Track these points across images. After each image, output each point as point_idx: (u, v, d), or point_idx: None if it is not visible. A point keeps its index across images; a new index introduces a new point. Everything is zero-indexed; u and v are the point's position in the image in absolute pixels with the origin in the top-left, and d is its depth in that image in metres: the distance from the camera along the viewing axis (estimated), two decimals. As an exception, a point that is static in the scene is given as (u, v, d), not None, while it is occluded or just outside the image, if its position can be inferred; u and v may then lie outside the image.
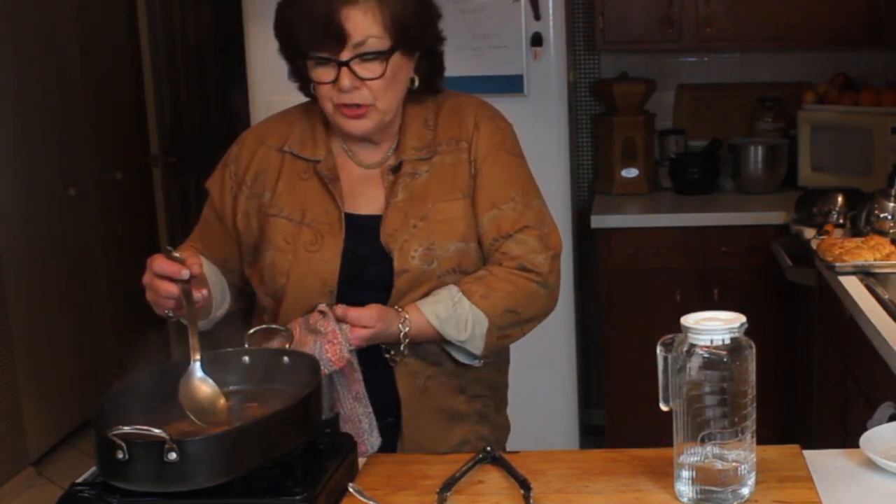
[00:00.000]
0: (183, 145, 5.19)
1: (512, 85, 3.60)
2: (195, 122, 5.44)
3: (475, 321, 1.82)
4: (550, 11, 3.58)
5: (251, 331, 1.75)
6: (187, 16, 5.37)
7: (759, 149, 4.12)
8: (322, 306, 1.77)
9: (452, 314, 1.81)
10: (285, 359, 1.64)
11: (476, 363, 1.89)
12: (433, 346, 1.87)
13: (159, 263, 1.67)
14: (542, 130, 3.63)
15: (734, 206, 4.02)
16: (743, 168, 4.15)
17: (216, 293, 1.85)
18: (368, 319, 1.76)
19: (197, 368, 1.56)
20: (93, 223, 4.89)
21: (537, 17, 3.57)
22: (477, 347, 1.84)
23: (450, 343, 1.85)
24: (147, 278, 1.71)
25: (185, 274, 1.65)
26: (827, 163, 4.05)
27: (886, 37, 3.81)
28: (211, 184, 1.99)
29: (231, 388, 1.61)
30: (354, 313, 1.75)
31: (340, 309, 1.75)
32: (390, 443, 1.89)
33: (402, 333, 1.79)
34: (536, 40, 3.58)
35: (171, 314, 1.73)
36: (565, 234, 3.65)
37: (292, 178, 1.90)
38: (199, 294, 1.68)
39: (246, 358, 1.65)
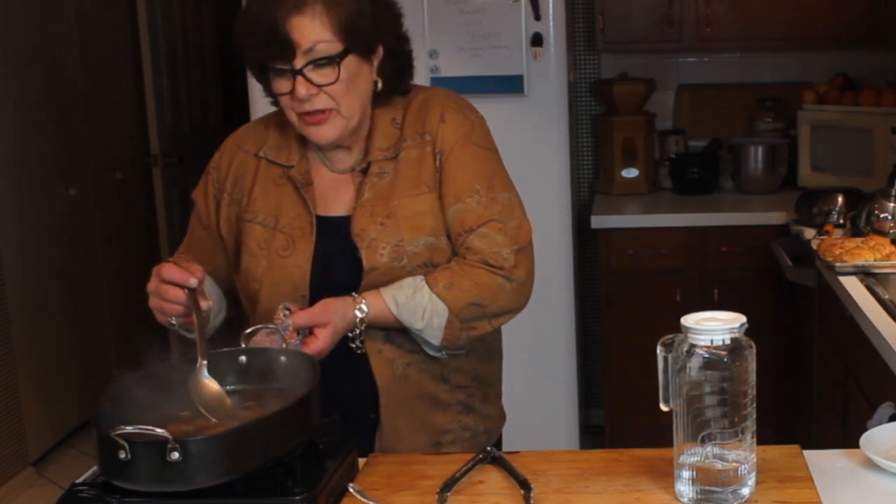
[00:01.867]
0: (183, 145, 5.19)
1: (512, 85, 3.60)
2: (195, 122, 5.44)
3: (434, 311, 1.81)
4: (550, 11, 3.58)
5: (247, 330, 1.75)
6: (187, 16, 5.37)
7: (759, 149, 4.12)
8: (285, 307, 1.76)
9: (410, 301, 1.80)
10: (282, 358, 1.64)
11: (440, 355, 1.88)
12: (407, 334, 1.86)
13: (168, 270, 1.70)
14: (542, 130, 3.64)
15: (734, 206, 4.02)
16: (743, 168, 4.15)
17: (213, 302, 1.86)
18: (319, 316, 1.75)
19: (203, 370, 1.59)
20: (93, 223, 4.89)
21: (537, 17, 3.57)
22: (435, 338, 1.83)
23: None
24: (153, 285, 1.73)
25: (194, 282, 1.68)
26: (827, 163, 4.05)
27: (886, 37, 3.81)
28: (196, 193, 2.00)
29: (228, 387, 1.61)
30: (304, 318, 1.74)
31: (295, 319, 1.74)
32: (372, 439, 1.88)
33: (358, 319, 1.79)
34: (536, 40, 3.58)
35: (174, 322, 1.75)
36: (565, 234, 3.66)
37: (267, 184, 1.91)
38: (206, 304, 1.71)
39: (243, 358, 1.66)
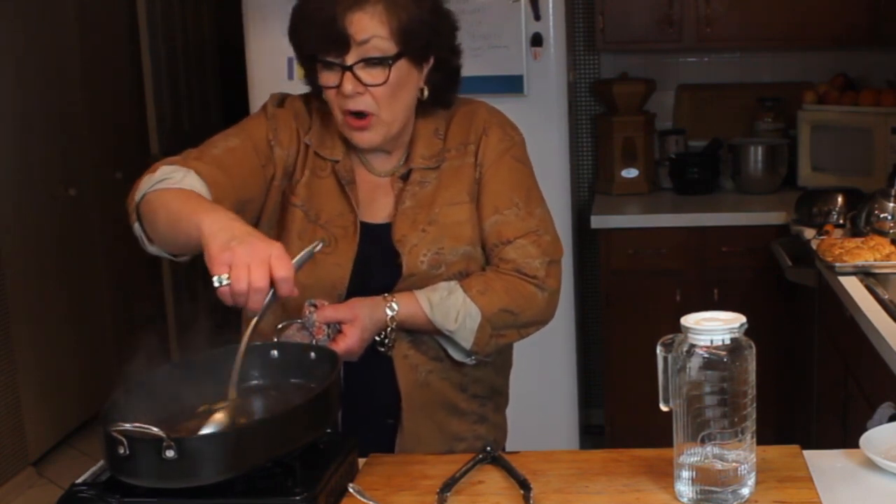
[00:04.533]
0: (183, 145, 5.17)
1: (512, 85, 3.60)
2: (195, 123, 5.44)
3: (467, 314, 1.81)
4: (550, 11, 3.58)
5: (280, 325, 1.75)
6: (187, 16, 5.37)
7: (759, 149, 4.12)
8: (311, 303, 1.76)
9: (445, 302, 1.80)
10: (312, 354, 1.64)
11: (469, 360, 1.89)
12: (432, 340, 1.87)
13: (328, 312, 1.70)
14: (542, 130, 3.63)
15: (734, 206, 4.02)
16: (743, 168, 4.15)
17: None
18: (343, 311, 1.74)
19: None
20: (93, 223, 4.89)
21: (537, 17, 3.57)
22: (466, 341, 1.83)
23: (443, 336, 1.84)
24: (262, 282, 1.46)
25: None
26: (827, 163, 4.05)
27: (886, 37, 3.81)
28: (252, 125, 1.89)
29: (254, 382, 1.62)
30: (329, 311, 1.74)
31: (318, 313, 1.74)
32: (389, 443, 1.89)
33: (389, 317, 1.79)
34: (536, 40, 3.58)
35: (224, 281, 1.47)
36: (565, 235, 3.66)
37: (312, 173, 1.89)
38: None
39: (274, 352, 1.65)
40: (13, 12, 4.27)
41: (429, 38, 1.79)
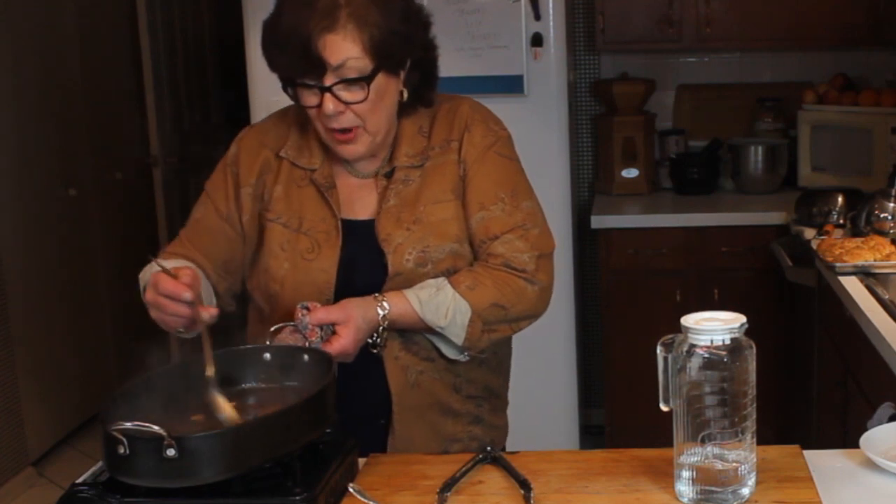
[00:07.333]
0: (183, 145, 5.19)
1: (512, 85, 3.60)
2: (195, 122, 5.43)
3: (457, 309, 1.81)
4: (550, 11, 3.58)
5: (272, 328, 1.75)
6: (187, 16, 5.37)
7: (759, 149, 4.12)
8: (303, 306, 1.76)
9: (434, 299, 1.80)
10: (305, 357, 1.64)
11: (462, 357, 1.88)
12: (424, 341, 1.87)
13: (164, 284, 1.67)
14: (542, 130, 3.64)
15: (734, 206, 4.02)
16: (743, 168, 4.15)
17: (216, 309, 1.81)
18: (336, 313, 1.74)
19: (214, 383, 1.58)
20: (93, 223, 4.89)
21: (537, 17, 3.57)
22: (457, 336, 1.83)
23: (435, 333, 1.84)
24: (151, 297, 1.70)
25: (187, 296, 1.65)
26: (827, 163, 4.05)
27: (886, 37, 3.81)
28: (211, 185, 1.96)
29: (247, 385, 1.62)
30: (321, 313, 1.74)
31: (311, 316, 1.74)
32: (381, 444, 1.89)
33: (380, 316, 1.78)
34: (536, 40, 3.58)
35: (181, 331, 1.73)
36: (565, 234, 3.66)
37: (290, 185, 1.90)
38: (208, 313, 1.67)
39: (267, 355, 1.66)
40: (13, 12, 4.27)
41: (402, 47, 1.79)
